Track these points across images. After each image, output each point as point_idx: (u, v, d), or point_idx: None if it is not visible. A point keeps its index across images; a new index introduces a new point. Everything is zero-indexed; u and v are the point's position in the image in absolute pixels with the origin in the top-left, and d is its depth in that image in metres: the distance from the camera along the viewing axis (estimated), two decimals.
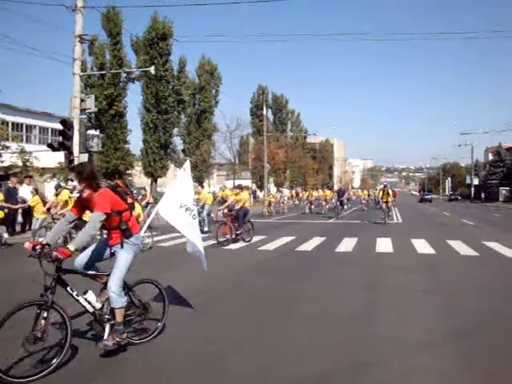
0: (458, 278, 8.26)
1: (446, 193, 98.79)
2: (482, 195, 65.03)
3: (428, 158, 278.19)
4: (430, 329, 5.05)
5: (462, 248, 12.04)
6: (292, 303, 6.29)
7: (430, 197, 73.72)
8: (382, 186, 28.14)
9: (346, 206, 27.71)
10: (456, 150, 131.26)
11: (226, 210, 13.38)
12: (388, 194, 21.30)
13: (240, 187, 14.25)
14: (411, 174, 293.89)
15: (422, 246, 12.33)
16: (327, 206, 29.62)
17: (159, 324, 4.80)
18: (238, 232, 12.95)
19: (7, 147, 23.81)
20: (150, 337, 4.66)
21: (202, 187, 17.79)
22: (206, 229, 15.84)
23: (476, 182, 70.99)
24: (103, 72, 28.81)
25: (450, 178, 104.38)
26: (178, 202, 5.72)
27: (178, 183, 6.14)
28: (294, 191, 41.39)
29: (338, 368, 3.97)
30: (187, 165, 6.51)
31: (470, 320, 5.41)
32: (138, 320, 4.67)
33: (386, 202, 21.08)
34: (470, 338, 4.76)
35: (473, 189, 69.56)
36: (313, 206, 31.25)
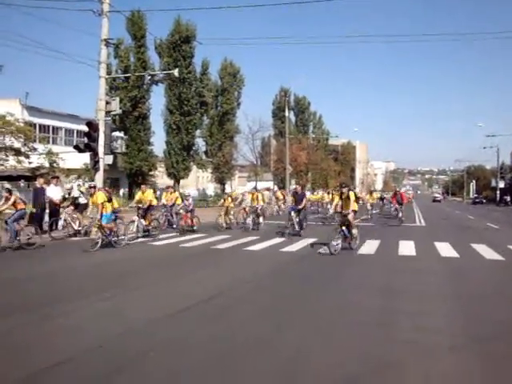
0: (483, 282, 8.17)
1: (471, 196, 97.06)
2: (508, 198, 63.66)
3: (452, 161, 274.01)
4: (453, 333, 5.03)
5: (486, 252, 11.87)
6: (312, 306, 6.32)
7: (439, 198, 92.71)
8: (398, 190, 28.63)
9: (304, 224, 16.46)
10: (481, 152, 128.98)
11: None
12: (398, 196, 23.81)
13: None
14: (434, 177, 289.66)
15: (445, 250, 12.20)
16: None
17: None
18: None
19: (35, 149, 24.42)
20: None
21: (147, 186, 17.56)
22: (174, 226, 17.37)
23: (502, 185, 69.61)
24: (128, 75, 29.32)
25: (474, 181, 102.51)
26: None
27: None
28: (279, 192, 32.33)
29: (361, 370, 3.99)
30: None
31: (493, 326, 5.35)
32: None
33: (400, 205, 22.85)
34: (493, 343, 4.71)
35: (498, 192, 68.20)
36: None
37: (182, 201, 17.49)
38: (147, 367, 3.99)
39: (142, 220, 14.52)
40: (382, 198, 34.77)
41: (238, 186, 52.60)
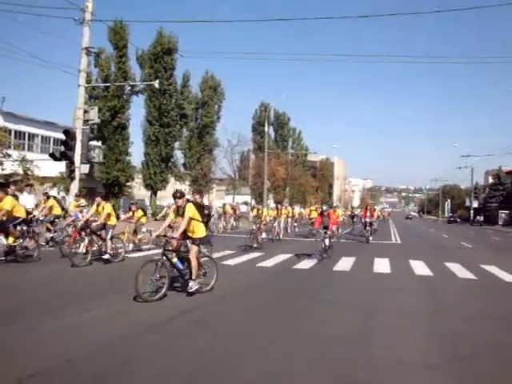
0: (456, 301, 8.23)
1: (446, 214, 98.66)
2: (482, 218, 64.97)
3: (428, 179, 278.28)
4: (425, 352, 5.03)
5: (460, 271, 12.01)
6: (289, 322, 6.26)
7: (411, 216, 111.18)
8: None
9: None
10: (456, 171, 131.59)
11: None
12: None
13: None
14: (411, 195, 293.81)
15: (419, 268, 12.30)
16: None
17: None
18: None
19: (9, 155, 23.92)
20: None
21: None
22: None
23: (475, 204, 71.03)
24: (108, 84, 29.07)
25: (449, 200, 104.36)
26: None
27: None
28: (228, 206, 28.85)
29: None
30: None
31: (465, 345, 5.38)
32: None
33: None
34: (469, 362, 4.73)
35: (472, 211, 69.55)
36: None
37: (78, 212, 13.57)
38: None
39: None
40: (352, 216, 33.80)
41: (216, 199, 52.31)
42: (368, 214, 21.98)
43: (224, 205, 29.42)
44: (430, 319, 6.65)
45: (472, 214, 69.10)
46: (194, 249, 7.70)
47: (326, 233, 13.55)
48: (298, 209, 37.82)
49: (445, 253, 17.78)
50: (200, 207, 8.13)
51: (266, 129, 43.62)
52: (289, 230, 25.68)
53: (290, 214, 26.68)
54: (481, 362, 4.76)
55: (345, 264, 12.63)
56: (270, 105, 55.23)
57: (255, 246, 16.21)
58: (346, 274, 11.14)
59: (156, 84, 21.19)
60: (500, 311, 7.41)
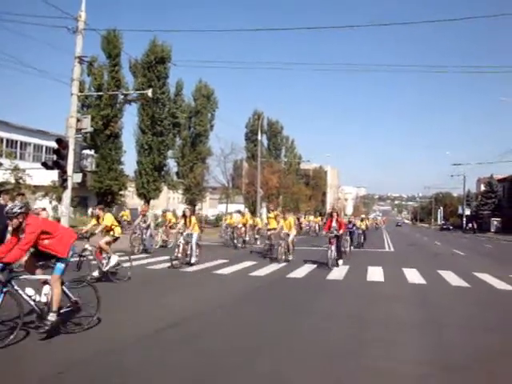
0: (449, 310, 8.22)
1: (439, 222, 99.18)
2: (474, 225, 65.36)
3: (421, 187, 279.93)
4: (421, 362, 5.01)
5: (453, 279, 12.03)
6: (281, 334, 6.23)
7: (401, 223, 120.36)
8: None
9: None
10: (449, 179, 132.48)
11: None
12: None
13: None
14: (404, 203, 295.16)
15: (413, 276, 12.31)
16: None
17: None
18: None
19: (0, 164, 23.75)
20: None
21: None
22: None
23: (468, 212, 71.49)
24: (101, 93, 29.02)
25: (442, 208, 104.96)
26: None
27: None
28: (169, 213, 21.96)
29: None
30: None
31: (461, 354, 5.37)
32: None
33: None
34: (462, 372, 4.72)
35: (465, 219, 69.95)
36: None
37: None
38: None
39: None
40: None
41: (209, 208, 52.27)
42: (334, 223, 14.23)
43: (164, 212, 22.99)
44: (423, 328, 6.64)
45: (464, 222, 69.50)
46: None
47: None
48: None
49: (438, 260, 17.83)
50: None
51: (259, 137, 43.64)
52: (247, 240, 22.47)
53: (252, 224, 23.53)
54: (475, 372, 4.75)
55: (338, 273, 12.62)
56: (263, 113, 55.34)
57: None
58: (340, 282, 11.13)
59: (149, 93, 21.12)
60: (493, 320, 7.42)
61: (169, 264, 12.76)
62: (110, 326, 6.15)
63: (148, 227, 17.24)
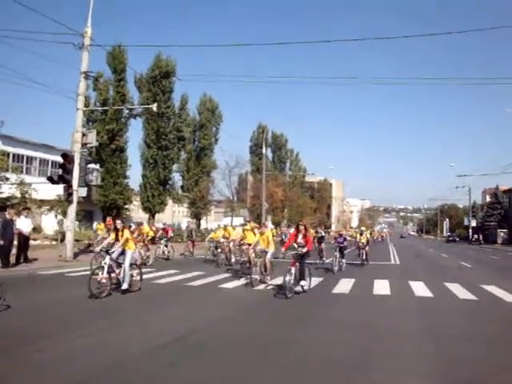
0: (458, 323, 8.13)
1: (444, 234, 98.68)
2: (480, 237, 64.95)
3: (426, 199, 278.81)
4: (430, 376, 4.95)
5: (460, 291, 11.91)
6: (285, 346, 6.17)
7: (405, 235, 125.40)
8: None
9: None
10: (454, 191, 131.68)
11: None
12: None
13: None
14: (409, 215, 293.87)
15: (419, 289, 12.20)
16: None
17: None
18: None
19: (7, 178, 23.89)
20: None
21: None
22: None
23: (474, 223, 71.06)
24: (106, 108, 29.27)
25: (447, 219, 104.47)
26: None
27: None
28: (145, 226, 20.52)
29: None
30: None
31: (469, 368, 5.29)
32: None
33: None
34: None
35: (471, 230, 69.54)
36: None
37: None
38: None
39: None
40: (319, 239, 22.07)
41: (214, 221, 52.19)
42: (301, 239, 11.20)
43: (139, 225, 20.87)
44: (431, 342, 6.55)
45: (471, 233, 69.09)
46: None
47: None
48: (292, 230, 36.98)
49: (444, 273, 17.69)
50: None
51: (263, 150, 43.76)
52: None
53: (231, 237, 18.83)
54: None
55: (344, 286, 12.52)
56: (267, 126, 55.61)
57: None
58: (346, 296, 11.03)
59: (154, 107, 21.30)
60: (502, 333, 7.32)
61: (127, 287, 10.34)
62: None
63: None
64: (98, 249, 11.09)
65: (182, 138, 38.04)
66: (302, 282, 10.81)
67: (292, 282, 10.49)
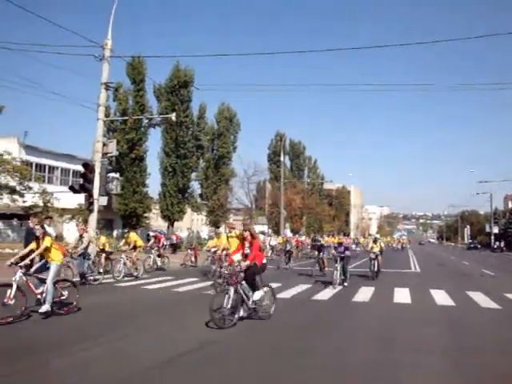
0: (481, 333, 8.01)
1: (465, 241, 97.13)
2: (502, 244, 63.71)
3: (446, 206, 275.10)
4: None
5: (483, 300, 11.74)
6: (305, 355, 6.16)
7: (424, 242, 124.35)
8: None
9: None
10: (474, 197, 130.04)
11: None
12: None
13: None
14: (429, 222, 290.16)
15: (441, 298, 12.06)
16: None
17: None
18: None
19: (30, 188, 24.41)
20: None
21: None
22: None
23: (496, 230, 69.78)
24: (126, 117, 29.68)
25: (468, 226, 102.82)
26: None
27: None
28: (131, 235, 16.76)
29: None
30: None
31: (491, 380, 5.22)
32: None
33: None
34: None
35: (493, 237, 68.29)
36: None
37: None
38: None
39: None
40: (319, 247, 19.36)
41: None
42: (247, 249, 8.63)
43: (128, 231, 18.86)
44: (454, 353, 6.47)
45: (493, 240, 67.86)
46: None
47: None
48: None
49: (466, 281, 17.42)
50: None
51: (281, 158, 43.80)
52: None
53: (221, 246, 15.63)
54: None
55: (364, 295, 12.44)
56: (285, 134, 55.62)
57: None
58: (366, 304, 10.96)
59: (173, 117, 21.55)
60: None
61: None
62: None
63: (85, 254, 13.15)
64: (8, 262, 8.26)
65: (200, 147, 38.29)
66: (257, 294, 8.33)
67: (228, 306, 7.77)
